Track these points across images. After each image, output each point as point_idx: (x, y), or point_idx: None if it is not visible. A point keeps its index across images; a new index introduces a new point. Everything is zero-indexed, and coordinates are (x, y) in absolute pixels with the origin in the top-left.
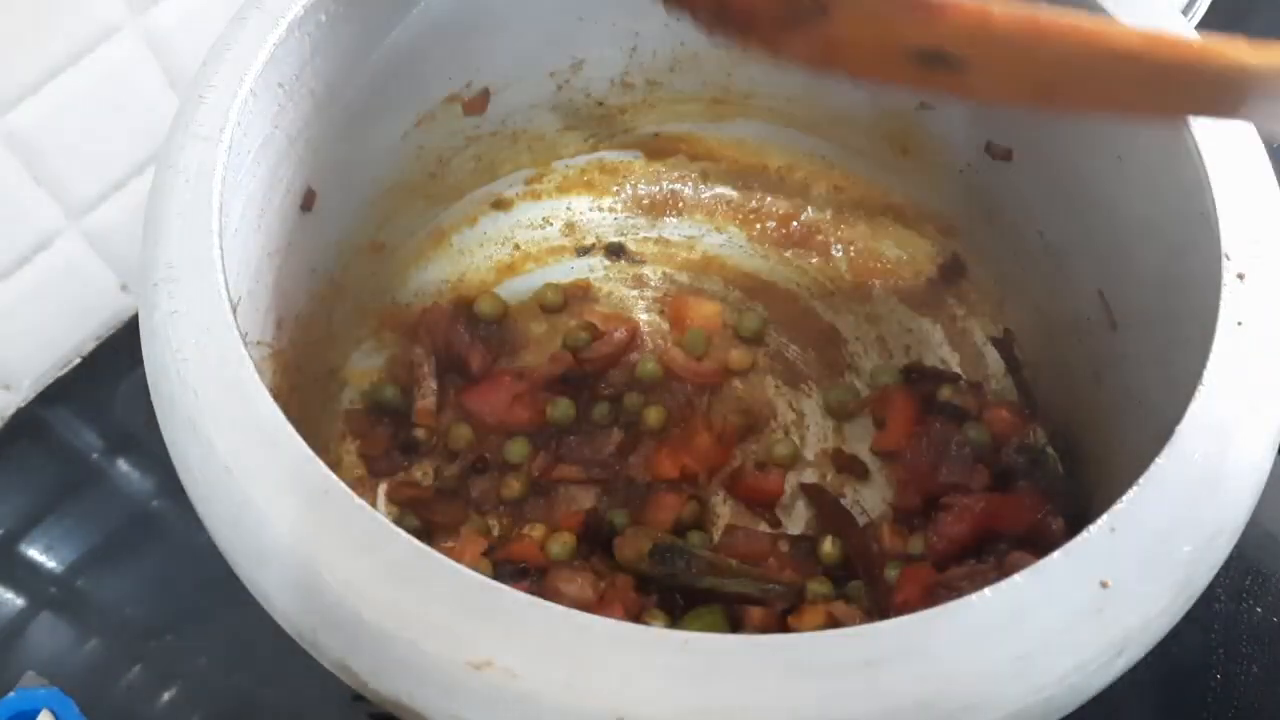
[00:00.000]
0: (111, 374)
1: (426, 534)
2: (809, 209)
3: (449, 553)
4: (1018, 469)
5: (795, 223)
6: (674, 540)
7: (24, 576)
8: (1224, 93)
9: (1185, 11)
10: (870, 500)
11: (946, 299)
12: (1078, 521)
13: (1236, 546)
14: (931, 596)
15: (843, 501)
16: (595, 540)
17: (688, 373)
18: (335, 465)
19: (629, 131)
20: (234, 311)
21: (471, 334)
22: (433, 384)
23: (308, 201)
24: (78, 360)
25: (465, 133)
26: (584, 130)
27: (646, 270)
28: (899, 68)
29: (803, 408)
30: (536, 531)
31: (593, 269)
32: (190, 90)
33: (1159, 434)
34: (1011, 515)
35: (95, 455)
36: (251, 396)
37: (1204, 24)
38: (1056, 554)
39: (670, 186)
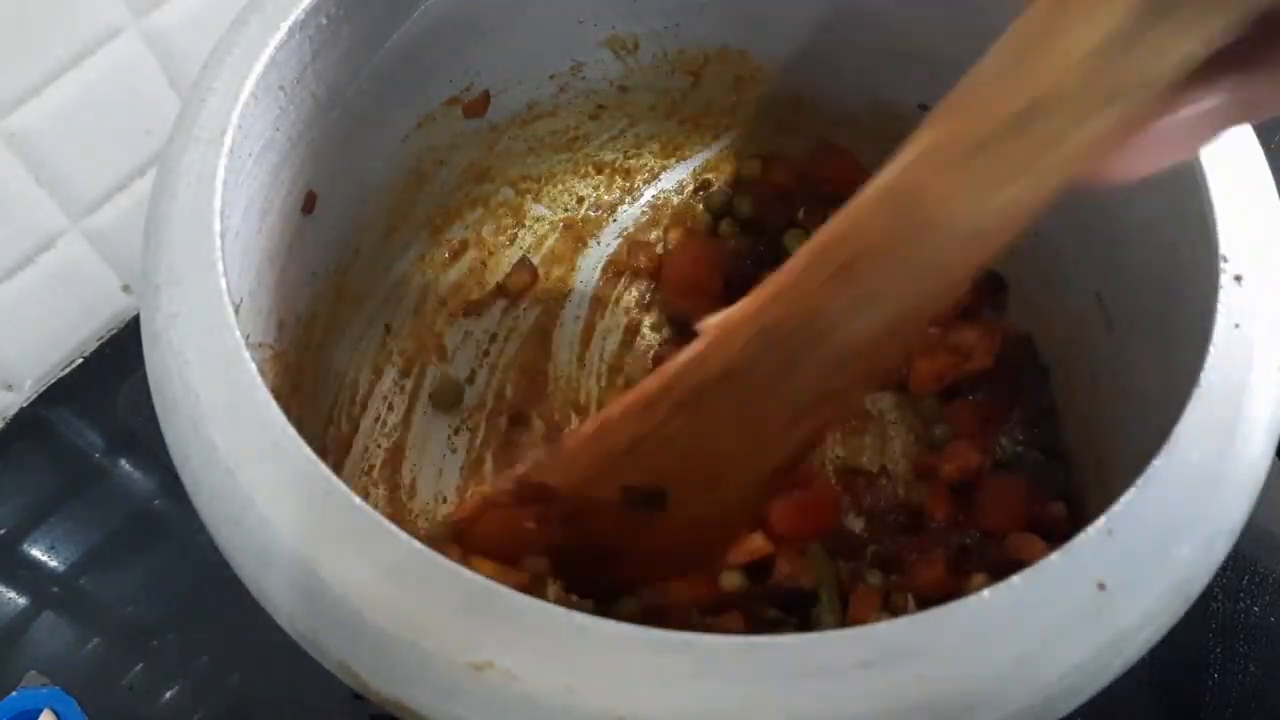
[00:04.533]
0: (113, 374)
1: None
2: None
3: None
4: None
5: None
6: None
7: (26, 576)
8: None
9: None
10: None
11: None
12: (1076, 518)
13: (1234, 546)
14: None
15: None
16: None
17: None
18: (338, 468)
19: (630, 134)
20: (235, 313)
21: None
22: None
23: (309, 204)
24: (79, 360)
25: (466, 135)
26: (584, 132)
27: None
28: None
29: None
30: None
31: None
32: (192, 93)
33: (1156, 435)
34: (1010, 496)
35: (97, 455)
36: (253, 398)
37: None
38: (1054, 555)
39: (672, 189)
